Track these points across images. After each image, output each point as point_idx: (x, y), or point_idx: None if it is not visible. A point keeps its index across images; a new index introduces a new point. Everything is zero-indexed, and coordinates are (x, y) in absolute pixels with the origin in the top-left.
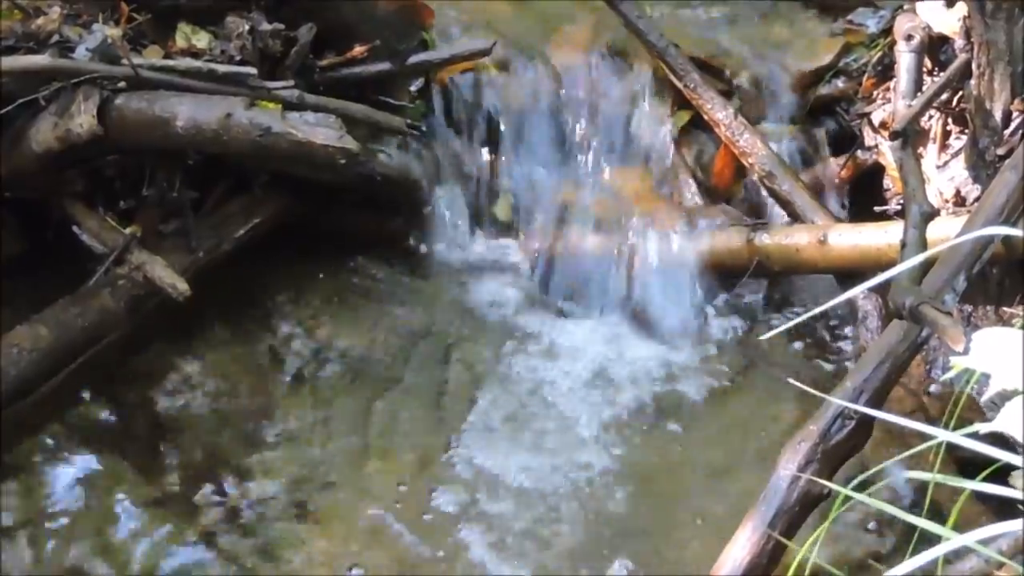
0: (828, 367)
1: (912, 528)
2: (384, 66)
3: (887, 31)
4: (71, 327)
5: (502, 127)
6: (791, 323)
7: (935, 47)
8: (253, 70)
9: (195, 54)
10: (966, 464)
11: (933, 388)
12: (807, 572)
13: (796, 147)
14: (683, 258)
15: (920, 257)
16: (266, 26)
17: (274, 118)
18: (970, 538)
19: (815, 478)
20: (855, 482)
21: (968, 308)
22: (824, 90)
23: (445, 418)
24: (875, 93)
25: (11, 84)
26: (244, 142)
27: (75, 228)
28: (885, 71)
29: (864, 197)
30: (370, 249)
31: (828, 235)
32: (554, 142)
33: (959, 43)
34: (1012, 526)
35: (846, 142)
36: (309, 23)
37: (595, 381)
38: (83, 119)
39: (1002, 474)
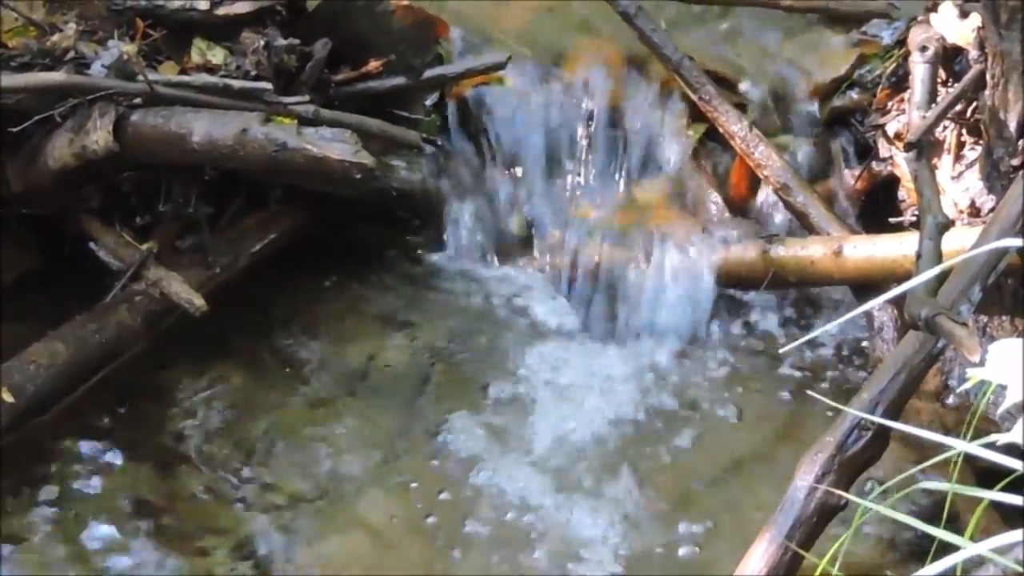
0: (845, 378)
1: (931, 539)
2: (399, 80)
3: (901, 42)
4: (88, 343)
5: (518, 140)
6: (809, 335)
7: (949, 58)
8: (268, 85)
9: (210, 70)
10: (984, 475)
11: (950, 399)
12: None
13: (811, 159)
14: (700, 270)
15: (935, 268)
16: (281, 41)
17: (290, 133)
18: (984, 547)
19: (832, 489)
20: (873, 494)
21: (984, 319)
22: (839, 101)
23: (472, 423)
24: (890, 104)
25: (27, 101)
26: (260, 157)
27: (91, 244)
28: (899, 82)
29: (879, 208)
30: (386, 263)
31: (843, 247)
32: (570, 155)
33: (973, 54)
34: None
35: (861, 153)
36: (324, 38)
37: (609, 388)
38: (99, 135)
39: (1020, 485)
